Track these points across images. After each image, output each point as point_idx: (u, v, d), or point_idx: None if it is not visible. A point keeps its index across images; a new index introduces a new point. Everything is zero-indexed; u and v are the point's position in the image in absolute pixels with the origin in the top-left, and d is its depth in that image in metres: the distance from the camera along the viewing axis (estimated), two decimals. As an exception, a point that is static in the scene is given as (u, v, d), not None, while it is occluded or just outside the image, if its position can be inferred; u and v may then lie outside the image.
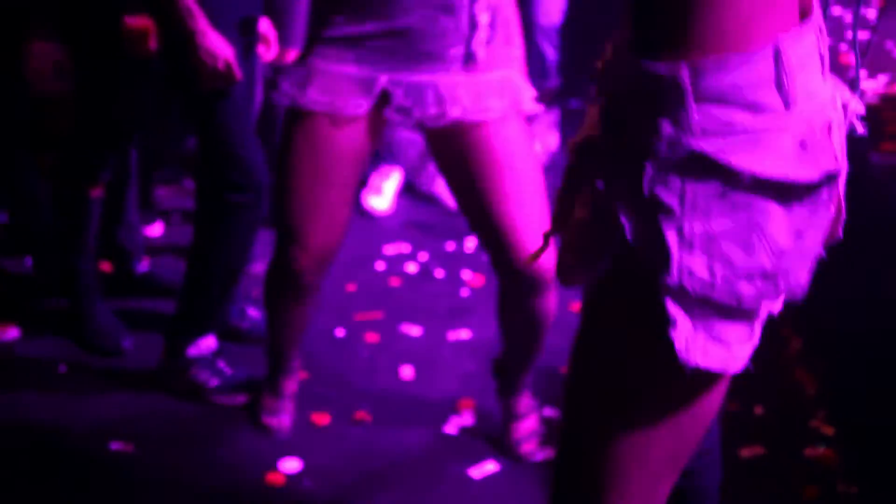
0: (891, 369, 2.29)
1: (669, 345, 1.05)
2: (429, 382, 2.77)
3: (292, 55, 3.33)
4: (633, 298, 1.12)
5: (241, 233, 2.63)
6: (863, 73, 2.70)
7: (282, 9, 3.31)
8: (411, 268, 3.45)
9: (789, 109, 1.06)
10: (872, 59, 2.88)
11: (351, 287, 3.28)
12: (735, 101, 1.04)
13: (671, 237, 1.05)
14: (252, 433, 2.58)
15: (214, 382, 2.72)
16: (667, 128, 1.05)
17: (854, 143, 2.22)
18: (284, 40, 3.30)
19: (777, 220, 1.06)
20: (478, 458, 2.47)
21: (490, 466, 2.45)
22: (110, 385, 2.79)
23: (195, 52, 2.38)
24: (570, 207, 1.24)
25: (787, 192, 1.06)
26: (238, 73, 2.45)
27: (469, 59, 2.06)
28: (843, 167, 1.12)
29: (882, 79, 2.76)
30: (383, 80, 2.07)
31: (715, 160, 1.03)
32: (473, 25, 2.03)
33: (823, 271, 2.63)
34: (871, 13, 3.38)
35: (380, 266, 3.45)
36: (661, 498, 1.23)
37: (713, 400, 1.14)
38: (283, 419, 2.54)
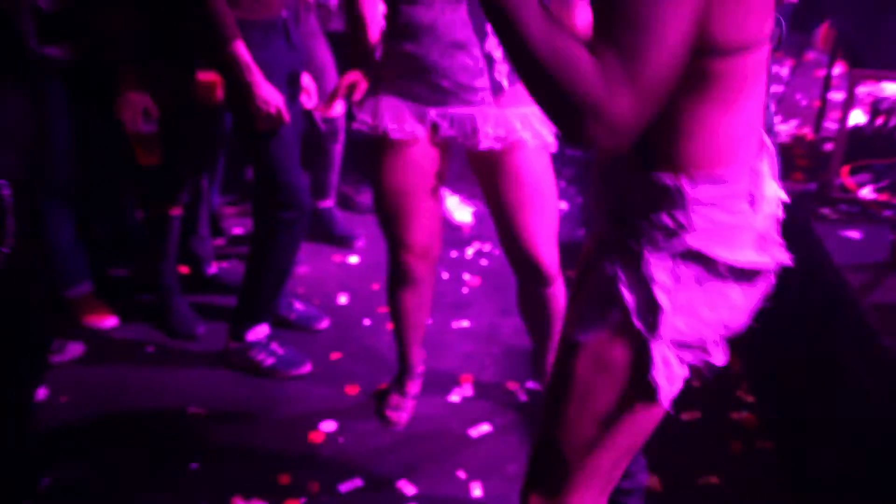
0: (793, 352, 2.31)
1: (645, 373, 1.15)
2: (437, 361, 2.75)
3: (331, 107, 3.27)
4: (620, 342, 1.17)
5: (287, 243, 2.63)
6: (777, 118, 2.73)
7: (319, 67, 3.29)
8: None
9: (755, 211, 1.13)
10: (786, 107, 2.90)
11: (375, 286, 3.25)
12: (720, 206, 1.11)
13: (664, 304, 1.13)
14: (298, 401, 2.59)
15: (269, 361, 2.72)
16: (667, 222, 1.11)
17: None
18: (322, 91, 3.30)
19: (737, 292, 1.16)
20: (475, 422, 2.50)
21: (485, 427, 2.47)
22: (187, 362, 2.80)
23: (252, 100, 2.39)
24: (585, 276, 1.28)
25: (747, 275, 1.16)
26: (286, 116, 2.46)
27: (497, 89, 1.99)
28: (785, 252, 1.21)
29: (793, 123, 2.77)
30: (432, 113, 2.03)
31: (703, 253, 1.11)
32: (490, 60, 1.97)
33: None
34: (784, 71, 3.39)
35: None
36: (616, 478, 1.30)
37: (662, 407, 1.21)
38: (402, 415, 2.45)
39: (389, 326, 2.92)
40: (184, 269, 3.21)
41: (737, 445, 2.37)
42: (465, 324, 3.04)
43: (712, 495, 2.19)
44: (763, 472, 2.28)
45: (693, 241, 1.12)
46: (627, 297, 1.15)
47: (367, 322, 3.06)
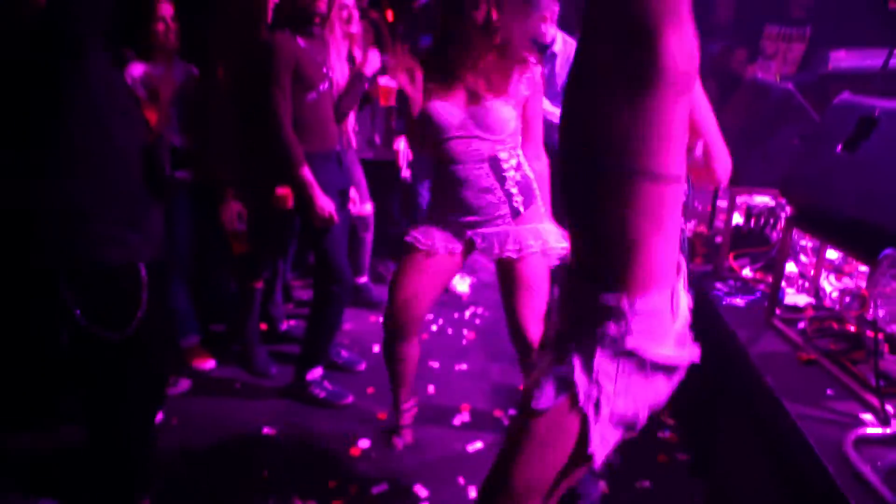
0: (701, 388, 2.26)
1: (586, 445, 1.14)
2: (443, 395, 2.72)
3: (365, 209, 3.41)
4: (571, 416, 1.15)
5: (335, 307, 2.62)
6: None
7: (356, 182, 3.28)
8: (433, 327, 3.40)
9: (675, 320, 1.14)
10: (688, 211, 2.92)
11: None
12: (651, 317, 1.11)
13: (608, 390, 1.13)
14: (342, 424, 2.53)
15: (322, 394, 2.69)
16: (612, 329, 1.12)
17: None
18: (363, 201, 3.37)
19: (662, 381, 1.16)
20: (471, 440, 2.44)
21: (478, 444, 2.42)
22: (264, 395, 2.77)
23: (312, 207, 2.43)
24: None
25: (669, 369, 1.16)
26: (336, 219, 2.48)
27: (515, 214, 2.01)
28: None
29: (693, 222, 2.79)
30: (469, 233, 2.05)
31: (637, 353, 1.11)
32: (509, 195, 2.00)
33: None
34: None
35: None
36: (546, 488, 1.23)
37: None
38: (400, 441, 2.38)
39: None
40: (263, 326, 3.19)
41: (662, 457, 2.32)
42: (464, 367, 3.00)
43: (646, 496, 2.14)
44: (682, 477, 2.23)
45: (631, 343, 1.11)
46: (580, 383, 1.13)
47: None
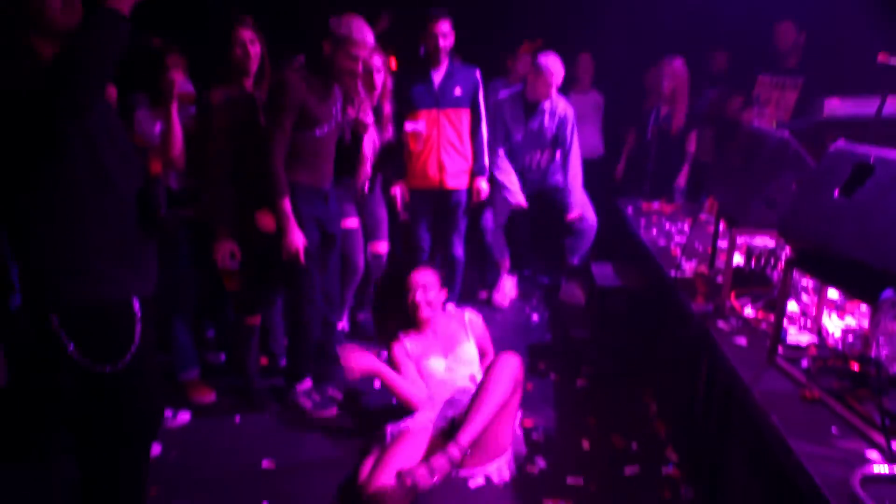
0: (704, 424, 2.26)
1: None
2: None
3: (381, 244, 3.46)
4: None
5: (306, 326, 2.73)
6: (683, 260, 2.78)
7: (377, 220, 3.41)
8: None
9: None
10: (689, 251, 2.95)
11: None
12: None
13: None
14: (346, 453, 2.51)
15: (308, 405, 2.77)
16: None
17: (680, 299, 2.24)
18: (375, 235, 3.42)
19: None
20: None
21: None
22: (263, 428, 2.74)
23: (284, 237, 2.52)
24: None
25: None
26: (302, 259, 2.55)
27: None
28: None
29: (694, 262, 2.81)
30: (449, 414, 2.43)
31: None
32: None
33: (669, 364, 2.50)
34: (686, 227, 3.48)
35: None
36: None
37: None
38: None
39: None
40: (264, 361, 3.17)
41: (667, 493, 2.29)
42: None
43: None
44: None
45: None
46: None
47: (395, 400, 2.93)
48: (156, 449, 2.50)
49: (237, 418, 2.81)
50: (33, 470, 2.35)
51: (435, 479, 2.09)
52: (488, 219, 4.03)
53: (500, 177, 3.87)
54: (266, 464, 2.47)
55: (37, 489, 2.26)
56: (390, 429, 2.37)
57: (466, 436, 2.16)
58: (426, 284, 2.65)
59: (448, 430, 2.32)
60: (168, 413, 2.72)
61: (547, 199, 4.07)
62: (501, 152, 3.88)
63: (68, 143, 1.52)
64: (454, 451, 2.14)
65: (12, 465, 2.38)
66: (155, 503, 2.10)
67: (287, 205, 2.49)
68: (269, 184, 2.50)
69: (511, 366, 2.27)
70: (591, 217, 4.05)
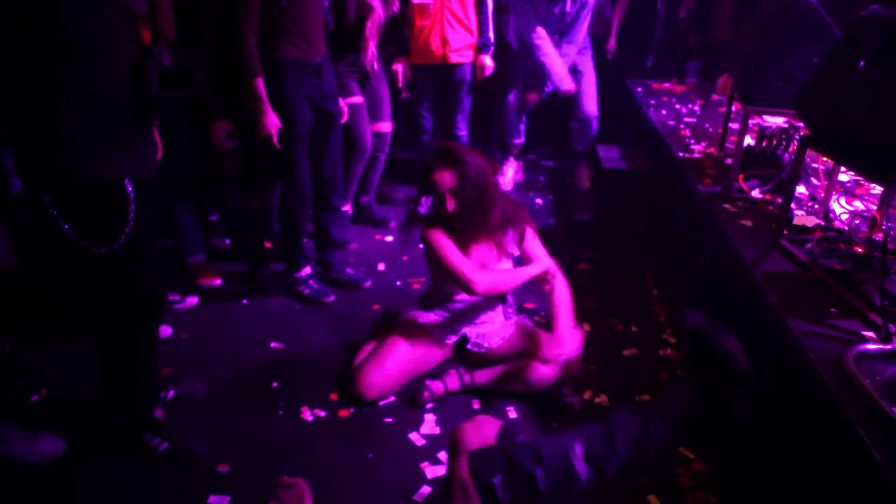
0: (707, 303, 2.28)
1: None
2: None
3: (384, 124, 3.33)
4: None
5: (291, 210, 2.66)
6: (692, 141, 2.70)
7: (378, 98, 3.26)
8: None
9: None
10: (699, 133, 2.87)
11: (405, 258, 3.20)
12: None
13: None
14: (345, 334, 2.52)
15: (306, 291, 2.78)
16: None
17: (687, 180, 2.19)
18: (378, 116, 3.29)
19: None
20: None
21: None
22: (270, 310, 2.76)
23: (257, 121, 2.40)
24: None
25: None
26: (276, 143, 2.44)
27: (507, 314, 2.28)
28: None
29: (704, 144, 2.74)
30: (463, 329, 2.25)
31: None
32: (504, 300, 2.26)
33: (672, 248, 2.48)
34: (696, 107, 3.36)
35: (421, 246, 3.20)
36: None
37: None
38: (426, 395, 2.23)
39: (416, 287, 2.93)
40: (268, 245, 3.14)
41: (663, 374, 2.32)
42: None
43: (644, 403, 2.17)
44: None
45: None
46: None
47: (398, 283, 3.02)
48: (166, 331, 2.55)
49: (244, 301, 2.83)
50: (50, 351, 2.41)
51: (443, 393, 2.18)
52: (512, 97, 3.90)
53: (545, 59, 3.61)
54: (274, 344, 2.52)
55: (55, 367, 2.33)
56: (400, 317, 2.33)
57: (482, 377, 2.20)
58: (457, 171, 2.00)
59: (459, 344, 2.29)
60: (177, 297, 2.74)
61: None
62: (542, 31, 3.61)
63: (50, 18, 1.45)
64: (467, 378, 2.20)
65: (31, 346, 2.43)
66: (167, 383, 2.16)
67: (259, 84, 2.36)
68: (240, 61, 2.35)
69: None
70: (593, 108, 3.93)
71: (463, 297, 2.20)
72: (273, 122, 2.41)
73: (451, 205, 2.00)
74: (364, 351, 2.32)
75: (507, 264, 2.18)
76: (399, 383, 2.18)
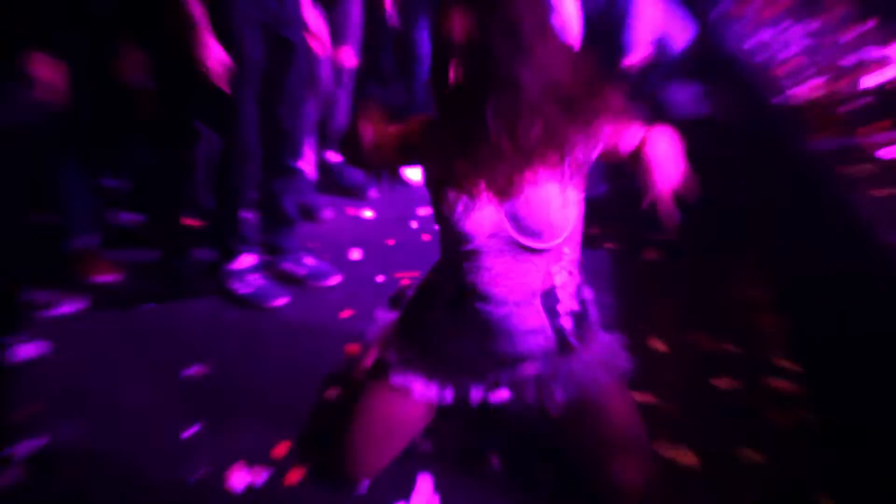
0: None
1: None
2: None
3: (346, 53, 3.19)
4: None
5: (232, 170, 2.56)
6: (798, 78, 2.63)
7: (345, 19, 3.16)
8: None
9: None
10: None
11: (390, 241, 3.09)
12: None
13: None
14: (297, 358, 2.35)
15: (241, 291, 2.65)
16: None
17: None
18: (337, 37, 3.11)
19: None
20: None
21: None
22: (182, 307, 2.63)
23: (198, 57, 2.33)
24: None
25: None
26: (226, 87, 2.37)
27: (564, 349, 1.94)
28: None
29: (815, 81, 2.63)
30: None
31: None
32: (561, 333, 1.84)
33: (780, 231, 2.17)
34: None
35: (414, 225, 3.21)
36: None
37: None
38: None
39: (404, 283, 2.73)
40: (191, 223, 3.03)
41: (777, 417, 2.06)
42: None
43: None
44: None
45: None
46: None
47: (380, 279, 2.83)
48: (31, 349, 2.40)
49: (151, 306, 2.67)
50: None
51: None
52: None
53: None
54: (192, 371, 2.32)
55: None
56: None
57: None
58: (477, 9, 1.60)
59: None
60: (50, 298, 2.62)
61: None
62: None
63: None
64: None
65: None
66: (32, 427, 2.02)
67: (195, 5, 2.30)
68: None
69: None
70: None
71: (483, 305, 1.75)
72: (218, 54, 2.35)
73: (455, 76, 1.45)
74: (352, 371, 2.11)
75: (574, 197, 1.62)
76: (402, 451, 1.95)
